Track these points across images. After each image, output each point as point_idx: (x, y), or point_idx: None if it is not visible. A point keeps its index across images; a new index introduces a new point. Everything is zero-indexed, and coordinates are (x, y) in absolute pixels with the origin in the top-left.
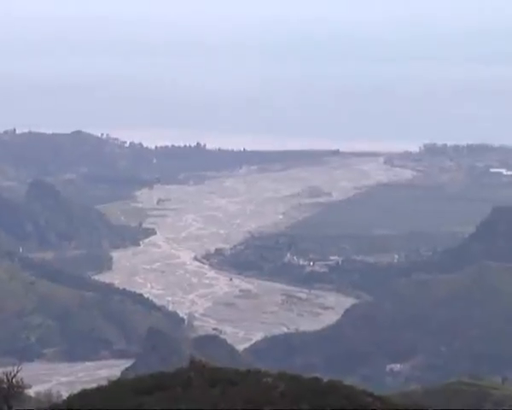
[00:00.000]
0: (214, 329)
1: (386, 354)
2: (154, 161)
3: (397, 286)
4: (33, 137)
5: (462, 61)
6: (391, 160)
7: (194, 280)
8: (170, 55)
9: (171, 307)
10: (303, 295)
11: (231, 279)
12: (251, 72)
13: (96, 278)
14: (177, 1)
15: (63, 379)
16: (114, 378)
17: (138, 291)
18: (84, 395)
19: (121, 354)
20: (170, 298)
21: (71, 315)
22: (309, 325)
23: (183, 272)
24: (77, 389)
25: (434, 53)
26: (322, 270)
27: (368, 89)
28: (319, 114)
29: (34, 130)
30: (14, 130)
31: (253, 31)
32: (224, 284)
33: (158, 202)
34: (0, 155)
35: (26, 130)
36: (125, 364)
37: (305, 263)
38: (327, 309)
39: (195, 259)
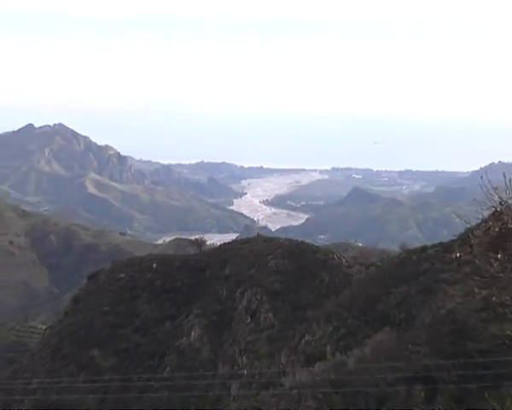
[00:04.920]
0: (264, 225)
1: (322, 233)
2: (246, 172)
3: (328, 210)
4: (201, 164)
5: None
6: (321, 172)
7: (259, 209)
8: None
9: (251, 217)
10: (296, 214)
11: (271, 209)
12: (276, 143)
13: (228, 207)
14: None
15: (216, 240)
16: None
17: (241, 212)
18: (223, 245)
19: (235, 232)
20: (251, 214)
21: (219, 220)
22: (298, 223)
23: (255, 206)
24: (221, 243)
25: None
26: (302, 206)
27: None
28: (302, 155)
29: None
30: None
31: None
32: (269, 211)
33: (248, 185)
34: (191, 172)
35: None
36: (238, 234)
37: (297, 205)
38: (305, 219)
39: (260, 202)
